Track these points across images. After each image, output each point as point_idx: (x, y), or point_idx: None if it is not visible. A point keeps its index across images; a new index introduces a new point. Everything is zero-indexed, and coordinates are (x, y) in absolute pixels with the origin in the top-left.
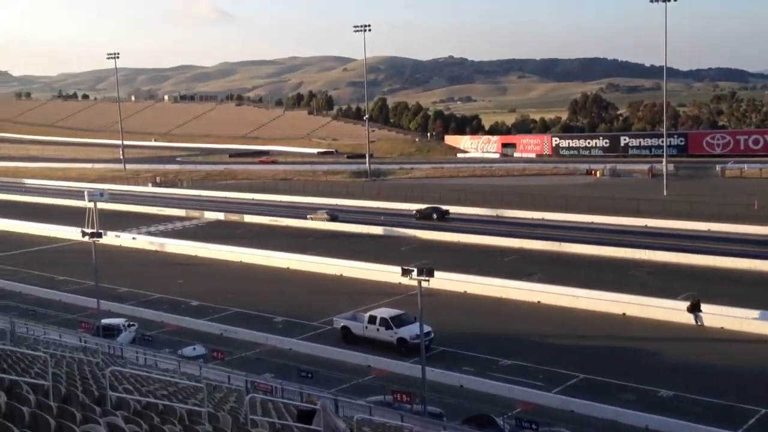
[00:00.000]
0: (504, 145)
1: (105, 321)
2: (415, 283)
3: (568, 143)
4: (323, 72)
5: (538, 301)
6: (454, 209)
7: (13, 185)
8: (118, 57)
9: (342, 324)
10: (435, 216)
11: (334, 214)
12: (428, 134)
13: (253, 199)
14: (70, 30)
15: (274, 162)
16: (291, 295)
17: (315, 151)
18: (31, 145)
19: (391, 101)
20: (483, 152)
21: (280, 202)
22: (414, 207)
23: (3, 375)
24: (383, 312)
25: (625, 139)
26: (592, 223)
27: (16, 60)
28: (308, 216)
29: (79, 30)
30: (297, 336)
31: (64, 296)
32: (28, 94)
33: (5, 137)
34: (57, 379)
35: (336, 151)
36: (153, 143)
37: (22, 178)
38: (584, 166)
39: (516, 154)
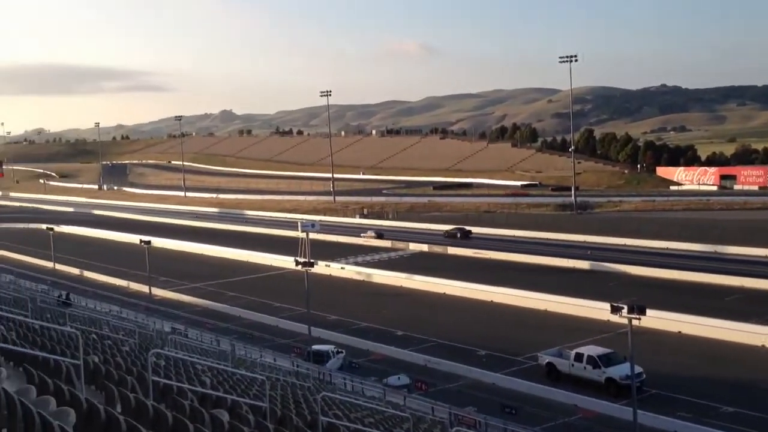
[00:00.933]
0: (722, 177)
1: (315, 347)
2: (624, 320)
3: None
4: (527, 104)
5: (762, 345)
6: (665, 244)
7: (235, 216)
8: (330, 95)
9: (547, 360)
10: (459, 235)
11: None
12: (638, 166)
13: None
14: (287, 71)
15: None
16: (494, 329)
17: (518, 183)
18: (251, 178)
19: (598, 132)
20: (699, 184)
21: (483, 234)
22: (622, 241)
23: (225, 395)
24: (591, 350)
25: None
26: None
27: (239, 100)
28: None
29: (295, 71)
30: (500, 370)
31: (280, 322)
32: (249, 131)
33: (229, 171)
34: (273, 401)
35: (540, 183)
36: (361, 176)
37: (243, 209)
38: None
39: (736, 187)
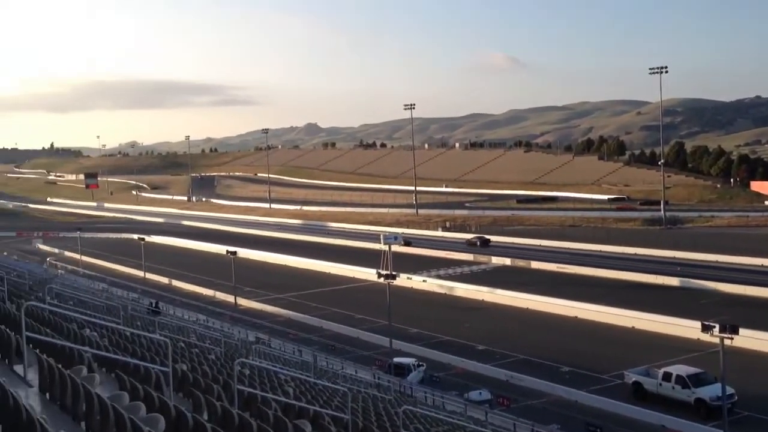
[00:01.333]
0: None
1: (396, 360)
2: (716, 340)
3: None
4: (614, 116)
5: None
6: (759, 261)
7: (318, 228)
8: (413, 108)
9: (633, 379)
10: (479, 244)
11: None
12: (731, 180)
13: (540, 245)
14: (371, 85)
15: None
16: (579, 345)
17: (605, 197)
18: (335, 190)
19: (689, 145)
20: None
21: (568, 249)
22: (713, 258)
23: (308, 405)
24: (680, 369)
25: None
26: None
27: (324, 113)
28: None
29: (379, 84)
30: (584, 388)
31: (362, 334)
32: (333, 144)
33: (314, 183)
34: (355, 413)
35: (628, 197)
36: (444, 189)
37: (327, 221)
38: None
39: None
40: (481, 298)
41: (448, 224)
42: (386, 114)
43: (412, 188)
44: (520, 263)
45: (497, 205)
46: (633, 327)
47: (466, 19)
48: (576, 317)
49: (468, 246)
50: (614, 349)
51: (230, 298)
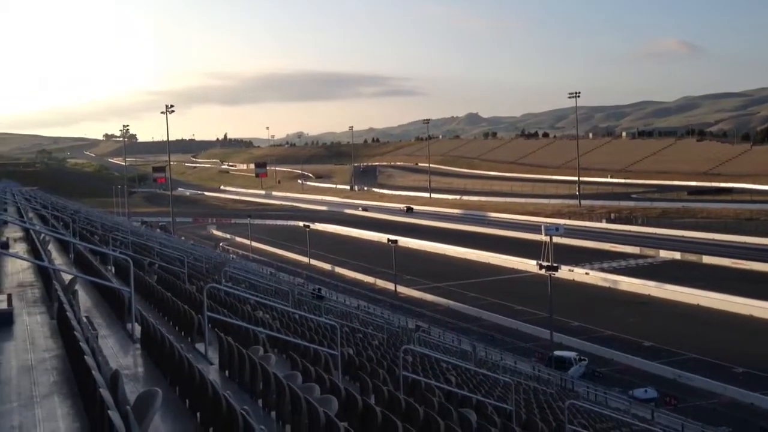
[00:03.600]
0: None
1: (557, 353)
2: None
3: None
4: None
5: None
6: None
7: (477, 218)
8: (578, 96)
9: None
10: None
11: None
12: None
13: (713, 239)
14: (534, 73)
15: None
16: (754, 345)
17: None
18: (495, 180)
19: None
20: None
21: (744, 243)
22: None
23: (470, 394)
24: None
25: None
26: None
27: (485, 103)
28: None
29: (542, 73)
30: (760, 390)
31: (521, 325)
32: (495, 134)
33: (474, 173)
34: (518, 404)
35: None
36: (608, 179)
37: (486, 211)
38: None
39: None
40: (647, 293)
41: (612, 216)
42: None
43: (575, 179)
44: (691, 257)
45: (667, 197)
46: None
47: (635, 5)
48: (751, 315)
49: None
50: None
51: (390, 286)
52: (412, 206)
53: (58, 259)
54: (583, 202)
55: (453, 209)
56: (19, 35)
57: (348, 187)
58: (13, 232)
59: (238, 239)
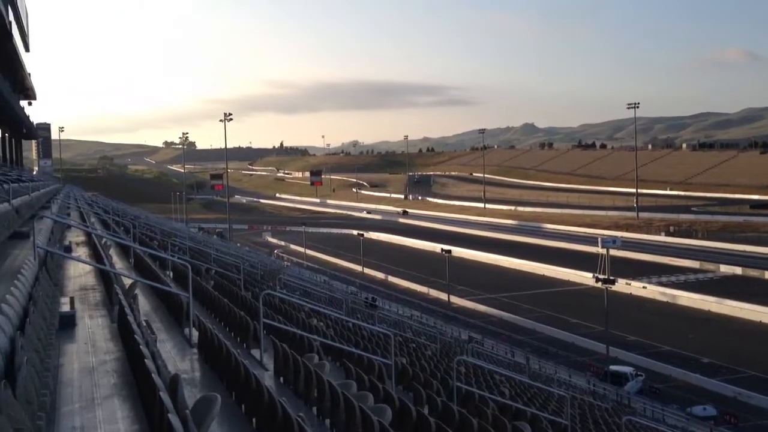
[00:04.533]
0: None
1: (613, 368)
2: None
3: None
4: None
5: None
6: None
7: (532, 229)
8: (637, 107)
9: None
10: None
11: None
12: None
13: None
14: (592, 84)
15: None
16: None
17: None
18: (550, 191)
19: None
20: None
21: None
22: None
23: (524, 407)
24: None
25: None
26: None
27: (541, 113)
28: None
29: (600, 83)
30: None
31: (576, 339)
32: (551, 144)
33: (529, 184)
34: (573, 419)
35: None
36: (667, 192)
37: (541, 222)
38: None
39: None
40: (707, 309)
41: (672, 229)
42: (607, 113)
43: (633, 191)
44: (753, 273)
45: (728, 210)
46: None
47: (696, 14)
48: None
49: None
50: None
51: (443, 296)
52: (407, 210)
53: (118, 264)
54: (642, 214)
55: (508, 220)
56: (84, 44)
57: (402, 196)
58: (75, 237)
59: (293, 247)
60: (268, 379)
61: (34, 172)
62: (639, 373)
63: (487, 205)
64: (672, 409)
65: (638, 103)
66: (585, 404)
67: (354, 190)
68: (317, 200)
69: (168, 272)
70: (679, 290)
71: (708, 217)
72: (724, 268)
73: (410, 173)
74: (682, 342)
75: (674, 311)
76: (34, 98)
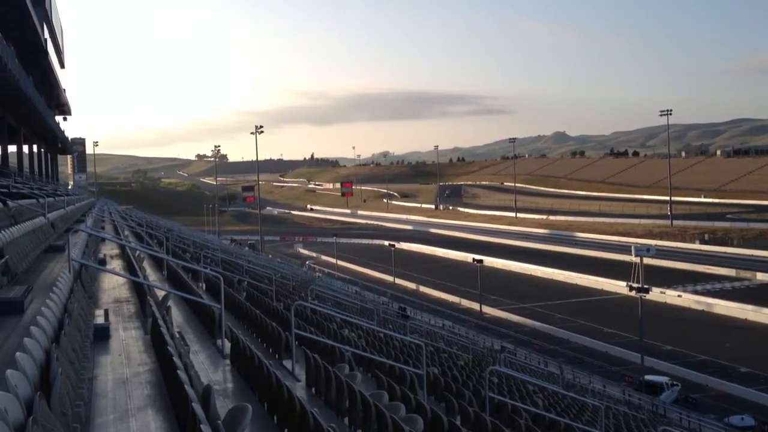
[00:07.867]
0: None
1: (648, 377)
2: None
3: None
4: None
5: None
6: None
7: (564, 238)
8: (670, 113)
9: None
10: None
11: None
12: None
13: None
14: (624, 91)
15: None
16: None
17: None
18: (582, 200)
19: None
20: None
21: None
22: None
23: (558, 418)
24: None
25: None
26: None
27: (573, 121)
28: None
29: (633, 89)
30: None
31: (610, 348)
32: (582, 153)
33: (561, 193)
34: (608, 429)
35: None
36: (702, 199)
37: (573, 231)
38: None
39: None
40: (744, 317)
41: (706, 237)
42: (639, 121)
43: (666, 198)
44: None
45: (764, 217)
46: None
47: (730, 20)
48: None
49: None
50: None
51: (475, 306)
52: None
53: (152, 276)
54: (676, 222)
55: (539, 229)
56: (119, 59)
57: (433, 207)
58: (109, 249)
59: (324, 257)
60: (299, 390)
61: (70, 186)
62: (675, 382)
63: (519, 215)
64: (709, 419)
65: (671, 110)
66: (620, 414)
67: (385, 200)
68: (348, 211)
69: (201, 284)
70: (714, 298)
71: (743, 225)
72: (761, 276)
73: (441, 183)
74: (718, 351)
75: (710, 320)
76: (69, 113)
